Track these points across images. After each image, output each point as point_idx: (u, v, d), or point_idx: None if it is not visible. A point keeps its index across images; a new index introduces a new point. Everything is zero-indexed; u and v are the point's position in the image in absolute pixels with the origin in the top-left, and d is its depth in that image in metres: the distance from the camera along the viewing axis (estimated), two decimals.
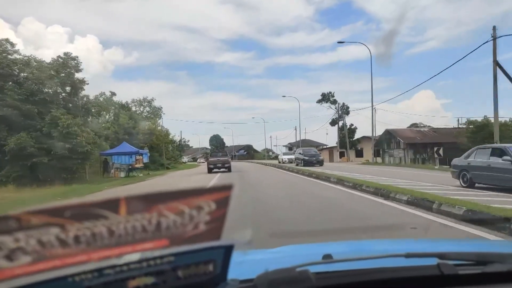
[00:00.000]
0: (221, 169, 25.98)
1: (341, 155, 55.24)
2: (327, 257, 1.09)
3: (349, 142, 52.57)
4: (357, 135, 56.20)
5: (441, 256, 1.04)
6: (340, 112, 56.11)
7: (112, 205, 0.60)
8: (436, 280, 0.99)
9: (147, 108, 57.31)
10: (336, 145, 57.90)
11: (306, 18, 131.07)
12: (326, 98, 57.50)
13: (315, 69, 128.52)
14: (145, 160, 31.10)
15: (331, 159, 56.26)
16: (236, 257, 0.70)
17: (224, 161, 26.66)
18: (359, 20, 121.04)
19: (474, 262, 1.06)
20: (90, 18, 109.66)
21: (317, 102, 57.85)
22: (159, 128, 49.01)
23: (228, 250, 0.67)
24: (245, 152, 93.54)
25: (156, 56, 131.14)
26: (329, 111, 58.49)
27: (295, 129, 70.45)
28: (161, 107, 58.02)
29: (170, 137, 51.73)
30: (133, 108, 53.62)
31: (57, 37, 78.81)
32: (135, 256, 0.61)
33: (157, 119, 54.54)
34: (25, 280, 0.57)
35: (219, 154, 28.83)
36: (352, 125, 57.43)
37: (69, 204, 0.58)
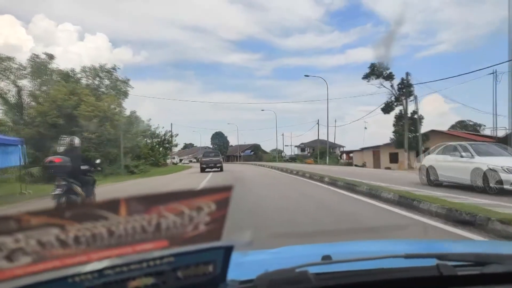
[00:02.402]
0: (213, 169, 26.78)
1: (392, 158, 35.68)
2: (327, 258, 1.10)
3: (412, 137, 31.39)
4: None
5: (440, 257, 1.04)
6: (399, 92, 32.73)
7: (112, 206, 0.60)
8: (435, 281, 0.99)
9: (106, 81, 33.72)
10: (390, 142, 36.26)
11: (315, 20, 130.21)
12: (378, 71, 33.12)
13: (323, 71, 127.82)
14: (13, 161, 13.67)
15: (376, 165, 37.76)
16: (236, 257, 0.70)
17: (216, 161, 27.73)
18: (368, 22, 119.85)
19: (473, 263, 1.07)
20: (100, 16, 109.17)
21: (363, 78, 34.17)
22: (119, 110, 30.34)
23: (228, 250, 0.67)
24: (252, 153, 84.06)
25: (165, 55, 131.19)
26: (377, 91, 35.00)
27: (317, 123, 51.25)
28: (128, 79, 34.65)
29: (153, 129, 36.96)
30: (84, 81, 32.31)
31: (68, 34, 76.61)
32: (135, 257, 0.61)
33: (119, 97, 32.68)
34: (25, 280, 0.57)
35: (211, 154, 29.86)
36: (415, 112, 32.41)
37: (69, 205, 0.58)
